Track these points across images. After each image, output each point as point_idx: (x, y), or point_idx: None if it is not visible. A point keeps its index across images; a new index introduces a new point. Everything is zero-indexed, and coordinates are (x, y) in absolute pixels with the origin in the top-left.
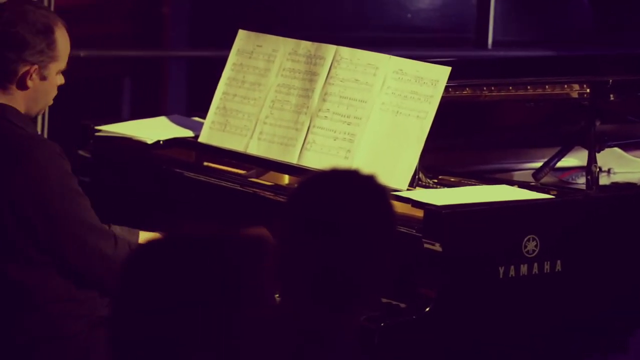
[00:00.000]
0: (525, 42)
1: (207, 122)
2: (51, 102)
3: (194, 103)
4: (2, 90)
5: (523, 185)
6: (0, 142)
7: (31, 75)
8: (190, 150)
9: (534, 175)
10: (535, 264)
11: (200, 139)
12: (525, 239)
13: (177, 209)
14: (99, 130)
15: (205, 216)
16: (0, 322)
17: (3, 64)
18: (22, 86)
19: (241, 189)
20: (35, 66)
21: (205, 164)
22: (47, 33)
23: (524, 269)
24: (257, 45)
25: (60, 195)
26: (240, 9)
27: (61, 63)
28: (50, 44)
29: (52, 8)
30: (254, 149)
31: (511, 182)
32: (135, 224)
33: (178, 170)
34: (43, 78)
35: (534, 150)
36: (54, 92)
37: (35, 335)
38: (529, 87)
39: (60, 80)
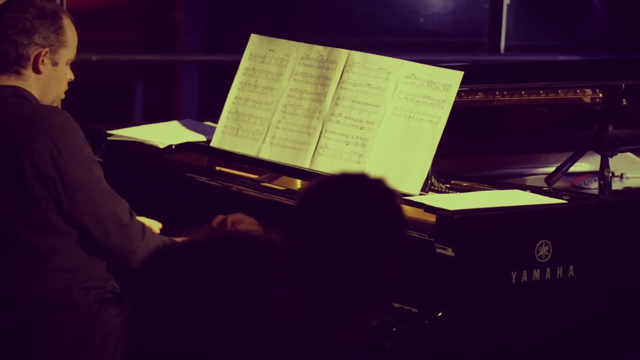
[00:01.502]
0: (538, 47)
1: (220, 126)
2: (63, 95)
3: (206, 107)
4: (17, 76)
5: (535, 190)
6: (20, 114)
7: (43, 60)
8: (203, 155)
9: (546, 180)
10: (548, 269)
11: (212, 144)
12: (538, 244)
13: (189, 213)
14: (111, 135)
15: None
16: (9, 286)
17: (15, 49)
18: (35, 70)
19: (253, 193)
20: (46, 49)
21: (218, 168)
22: (55, 18)
23: (536, 274)
24: (270, 50)
25: (78, 160)
26: (253, 13)
27: (70, 51)
28: (59, 29)
29: None
30: (267, 154)
31: (524, 187)
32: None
33: (190, 174)
34: (54, 64)
35: (546, 155)
36: (65, 83)
37: (42, 302)
38: (541, 92)
39: (70, 74)
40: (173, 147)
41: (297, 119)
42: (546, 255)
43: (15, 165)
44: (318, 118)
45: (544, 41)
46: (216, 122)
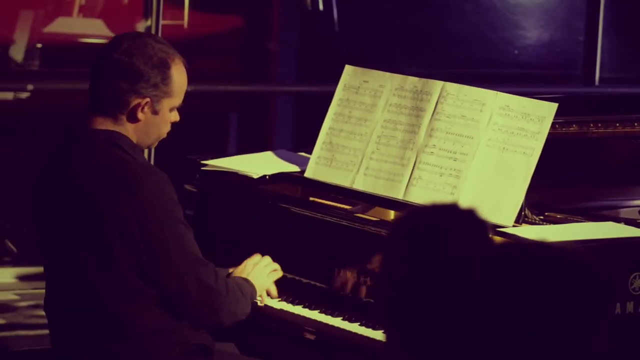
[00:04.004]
0: (632, 79)
1: (313, 157)
2: (164, 136)
3: (300, 138)
4: (113, 120)
5: (629, 222)
6: (109, 167)
7: (143, 108)
8: (296, 186)
9: None
10: None
11: (306, 174)
12: (632, 276)
13: (283, 244)
14: (206, 165)
15: (311, 251)
16: (95, 352)
17: (115, 93)
18: (133, 118)
19: (347, 224)
20: (147, 99)
21: (311, 199)
22: (163, 68)
23: (630, 306)
24: (364, 81)
25: (165, 223)
26: (348, 45)
27: (175, 99)
28: (165, 78)
29: None
30: (360, 185)
31: (617, 219)
32: (241, 258)
33: (284, 205)
34: (155, 112)
35: None
36: (167, 128)
37: None
38: (636, 124)
39: (174, 117)
40: (267, 177)
41: (391, 150)
42: None
43: (98, 224)
44: (412, 149)
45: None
46: (310, 152)
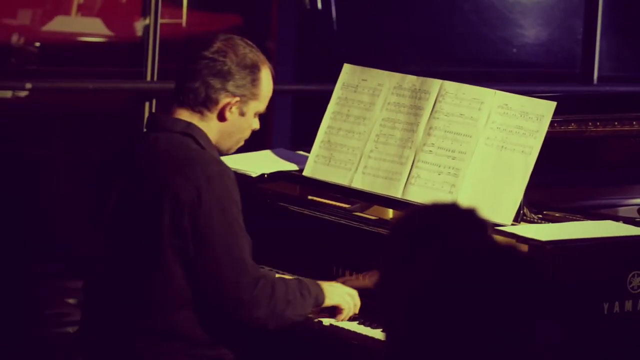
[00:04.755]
0: (631, 78)
1: (312, 155)
2: (242, 142)
3: (299, 137)
4: (200, 116)
5: (628, 221)
6: (174, 152)
7: (231, 108)
8: (295, 184)
9: (639, 211)
10: None
11: (304, 173)
12: (630, 275)
13: (282, 242)
14: None
15: (309, 250)
16: (124, 347)
17: (206, 90)
18: (221, 117)
19: (345, 222)
20: (237, 99)
21: (310, 197)
22: (254, 69)
23: (628, 305)
24: (362, 79)
25: (217, 218)
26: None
27: (261, 104)
28: (255, 80)
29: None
30: (359, 183)
31: (616, 218)
32: None
33: (282, 203)
34: (242, 113)
35: (639, 186)
36: (248, 133)
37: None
38: (634, 123)
39: (256, 124)
40: (265, 176)
41: (389, 149)
42: (638, 287)
43: (156, 206)
44: (410, 148)
45: (638, 72)
46: (308, 151)
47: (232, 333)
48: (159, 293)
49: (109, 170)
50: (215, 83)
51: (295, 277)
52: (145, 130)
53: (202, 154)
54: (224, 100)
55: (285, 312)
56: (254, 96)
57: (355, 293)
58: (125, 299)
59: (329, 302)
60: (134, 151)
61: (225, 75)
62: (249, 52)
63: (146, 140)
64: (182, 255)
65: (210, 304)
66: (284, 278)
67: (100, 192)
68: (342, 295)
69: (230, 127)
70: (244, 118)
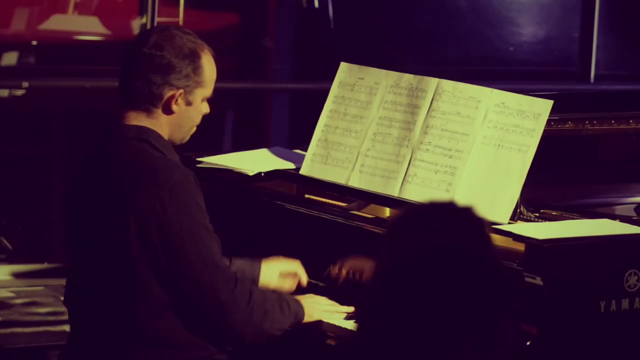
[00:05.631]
0: (628, 76)
1: (309, 154)
2: (194, 129)
3: (296, 135)
4: (147, 114)
5: (625, 219)
6: (134, 162)
7: (177, 100)
8: (292, 183)
9: (636, 209)
10: (637, 299)
11: (301, 172)
12: (627, 274)
13: (278, 241)
14: (201, 162)
15: (306, 248)
16: (106, 352)
17: (149, 87)
18: (167, 110)
19: (342, 221)
20: (181, 90)
21: (307, 196)
22: (193, 58)
23: (625, 303)
24: (359, 78)
25: (184, 224)
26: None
27: (207, 89)
28: (196, 68)
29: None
30: (356, 182)
31: (613, 216)
32: (235, 255)
33: (279, 202)
34: (188, 103)
35: (636, 185)
36: (199, 120)
37: None
38: (631, 121)
39: (205, 108)
40: (262, 174)
41: (386, 147)
42: (635, 285)
43: (120, 219)
44: (407, 146)
45: (634, 70)
46: (305, 150)
47: (215, 336)
48: (138, 304)
49: (75, 185)
50: (157, 79)
51: (276, 292)
52: (103, 137)
53: (162, 163)
54: (168, 93)
55: (263, 324)
56: (198, 84)
57: (336, 305)
58: (105, 310)
59: (308, 318)
60: (100, 161)
61: (165, 69)
62: (187, 41)
63: (105, 151)
64: (154, 265)
65: (190, 309)
66: (261, 289)
67: (68, 208)
68: (322, 312)
69: (179, 118)
70: (192, 107)
